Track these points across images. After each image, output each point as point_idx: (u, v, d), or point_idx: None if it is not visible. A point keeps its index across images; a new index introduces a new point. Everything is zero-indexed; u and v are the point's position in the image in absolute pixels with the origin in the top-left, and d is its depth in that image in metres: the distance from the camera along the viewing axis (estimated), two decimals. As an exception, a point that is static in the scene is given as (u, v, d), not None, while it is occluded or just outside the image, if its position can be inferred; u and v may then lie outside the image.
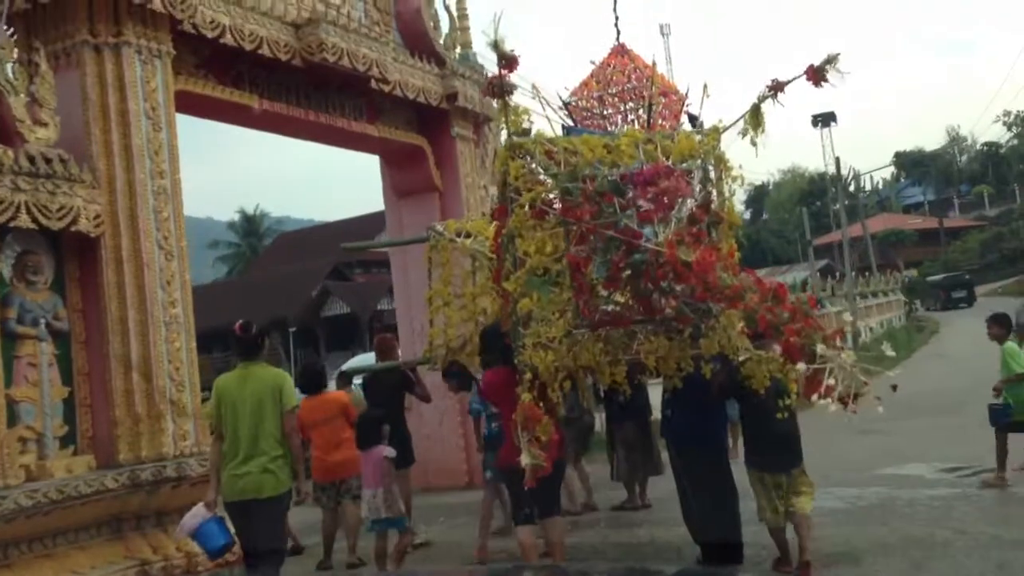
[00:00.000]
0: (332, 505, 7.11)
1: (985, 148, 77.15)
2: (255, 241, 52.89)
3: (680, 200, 4.89)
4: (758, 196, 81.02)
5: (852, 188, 51.74)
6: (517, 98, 5.41)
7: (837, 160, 33.13)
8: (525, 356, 5.01)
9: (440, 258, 7.17)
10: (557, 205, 5.20)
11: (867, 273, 32.81)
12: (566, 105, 6.07)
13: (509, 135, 5.42)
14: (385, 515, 6.23)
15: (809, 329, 4.26)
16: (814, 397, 4.16)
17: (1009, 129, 71.13)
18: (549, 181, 5.15)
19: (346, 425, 6.98)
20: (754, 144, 5.17)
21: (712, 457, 5.70)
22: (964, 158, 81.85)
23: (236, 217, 54.41)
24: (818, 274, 36.80)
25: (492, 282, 6.22)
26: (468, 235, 7.11)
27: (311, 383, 7.41)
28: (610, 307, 5.20)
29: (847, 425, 12.52)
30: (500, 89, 5.21)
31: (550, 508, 5.56)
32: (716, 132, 5.34)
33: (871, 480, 7.68)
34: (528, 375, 4.95)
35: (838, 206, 35.73)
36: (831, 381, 4.08)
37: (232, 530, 5.53)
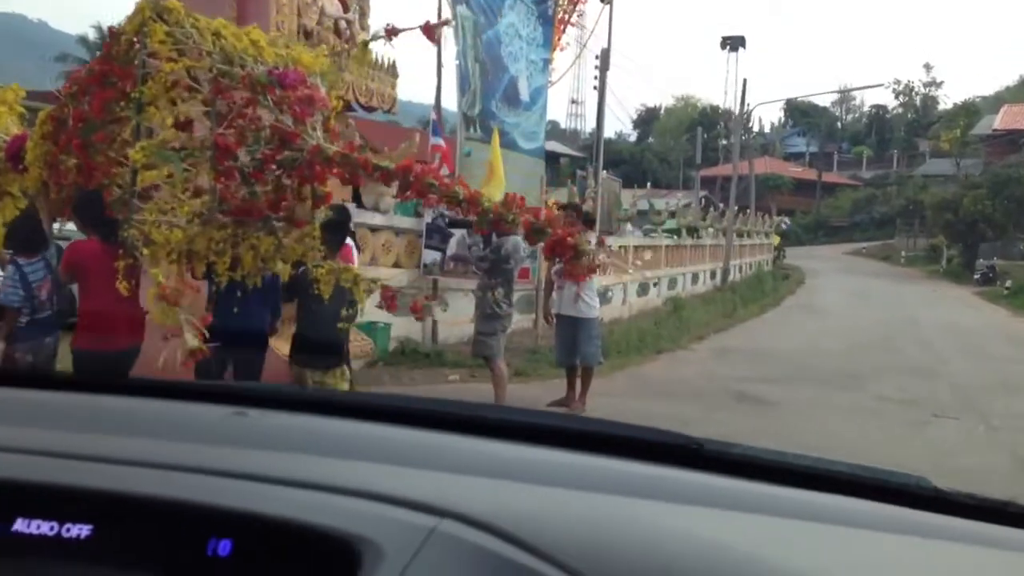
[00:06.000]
0: None
1: (872, 110, 77.83)
2: (113, 66, 46.37)
3: (319, 108, 5.00)
4: (648, 118, 79.37)
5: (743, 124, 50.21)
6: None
7: (744, 83, 30.67)
8: (145, 229, 4.76)
9: None
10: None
11: (747, 211, 30.96)
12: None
13: None
14: None
15: (579, 233, 5.70)
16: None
17: (896, 97, 71.78)
18: (202, 56, 4.83)
19: None
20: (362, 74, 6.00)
21: (262, 350, 5.97)
22: (850, 117, 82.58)
23: (91, 33, 47.64)
24: (703, 200, 34.79)
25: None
26: None
27: None
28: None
29: (719, 384, 10.24)
30: None
31: None
32: (324, 55, 5.58)
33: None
34: (146, 251, 4.79)
35: (726, 140, 33.67)
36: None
37: None
